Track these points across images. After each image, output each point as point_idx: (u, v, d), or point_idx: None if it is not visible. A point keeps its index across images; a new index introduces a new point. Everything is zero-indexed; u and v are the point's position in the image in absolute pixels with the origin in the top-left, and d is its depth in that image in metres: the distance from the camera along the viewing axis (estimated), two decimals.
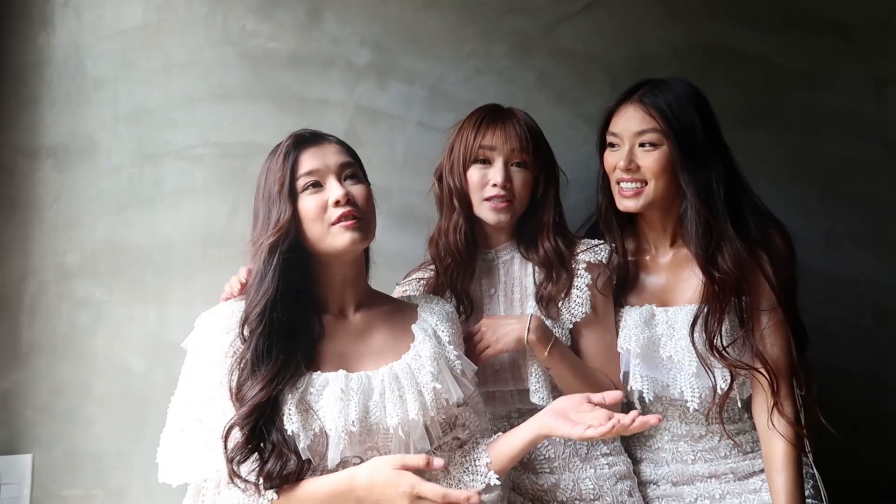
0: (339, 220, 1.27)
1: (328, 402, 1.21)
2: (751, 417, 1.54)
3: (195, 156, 1.75)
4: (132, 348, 1.70)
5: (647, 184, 1.50)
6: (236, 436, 1.18)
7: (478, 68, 1.89)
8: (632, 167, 1.50)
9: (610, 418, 1.16)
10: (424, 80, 1.87)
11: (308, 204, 1.27)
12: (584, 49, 1.93)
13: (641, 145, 1.51)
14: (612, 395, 1.22)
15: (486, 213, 1.52)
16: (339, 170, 1.31)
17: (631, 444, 1.60)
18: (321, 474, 1.21)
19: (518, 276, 1.56)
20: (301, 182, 1.28)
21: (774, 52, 1.99)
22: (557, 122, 1.86)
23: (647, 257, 1.61)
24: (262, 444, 1.18)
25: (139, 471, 1.67)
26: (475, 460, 1.30)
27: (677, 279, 1.57)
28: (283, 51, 1.81)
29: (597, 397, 1.23)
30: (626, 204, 1.53)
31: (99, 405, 1.68)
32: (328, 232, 1.27)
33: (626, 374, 1.52)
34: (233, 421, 1.18)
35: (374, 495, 1.15)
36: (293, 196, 1.28)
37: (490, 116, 1.54)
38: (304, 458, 1.18)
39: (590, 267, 1.50)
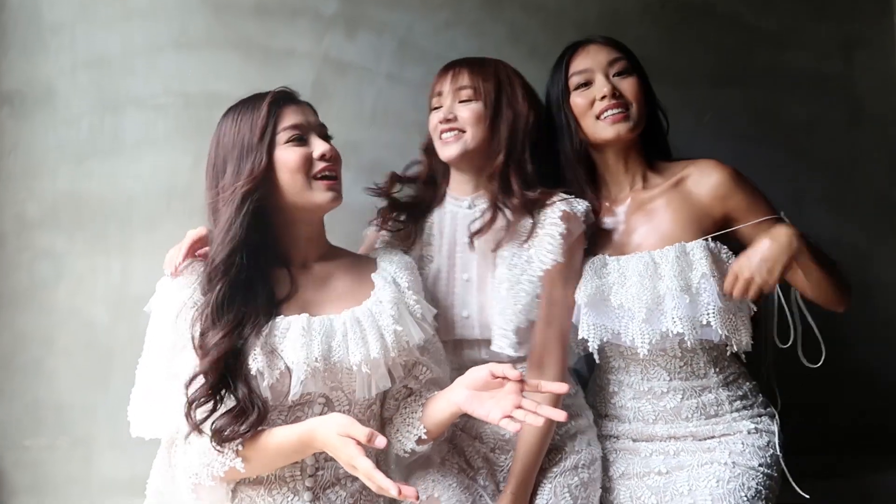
0: (322, 175, 1.31)
1: (291, 340, 1.25)
2: (718, 373, 1.55)
3: (157, 105, 1.72)
4: (95, 300, 1.69)
5: (629, 108, 1.54)
6: (200, 383, 1.20)
7: (448, 21, 1.87)
8: (616, 93, 1.54)
9: (518, 406, 1.18)
10: (394, 31, 1.84)
11: (289, 155, 1.30)
12: (555, 3, 1.91)
13: (616, 74, 1.56)
14: (514, 373, 1.21)
15: (439, 149, 1.52)
16: (319, 129, 1.35)
17: (596, 401, 1.63)
18: (288, 416, 1.27)
19: (494, 227, 1.52)
20: (284, 134, 1.31)
21: (745, 10, 1.98)
22: (528, 76, 1.82)
23: (607, 203, 1.61)
24: (223, 394, 1.20)
25: (103, 421, 1.68)
26: (412, 413, 1.35)
27: (632, 227, 1.58)
28: None
29: (498, 370, 1.23)
30: (615, 129, 1.53)
31: (62, 356, 1.68)
32: (310, 186, 1.31)
33: (575, 325, 1.54)
34: (197, 370, 1.20)
35: (328, 451, 1.20)
36: (272, 147, 1.29)
37: (447, 65, 1.54)
38: (263, 399, 1.21)
39: (566, 216, 1.49)
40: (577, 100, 1.57)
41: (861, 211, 2.05)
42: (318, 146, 1.32)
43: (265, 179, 1.28)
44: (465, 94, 1.50)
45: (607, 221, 1.60)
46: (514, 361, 1.52)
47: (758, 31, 1.99)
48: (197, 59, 1.74)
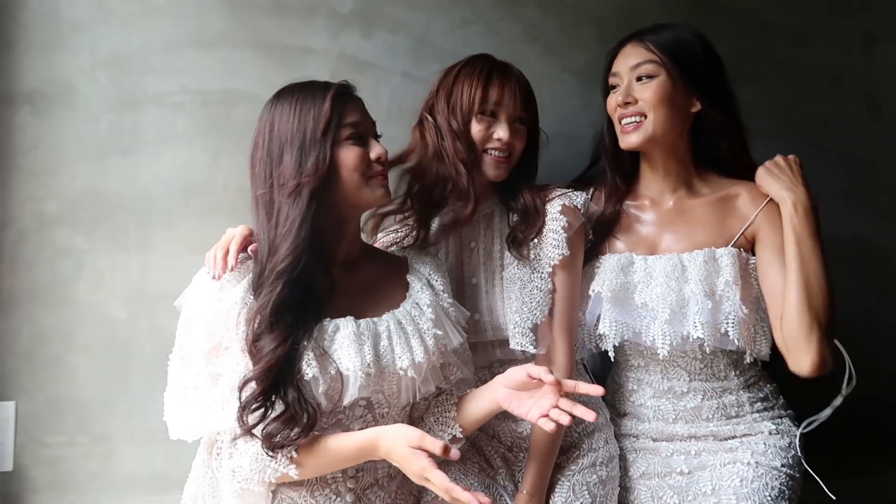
0: (377, 175, 1.31)
1: (342, 345, 1.24)
2: (738, 375, 1.53)
3: (175, 103, 1.72)
4: (114, 296, 1.69)
5: (646, 117, 1.51)
6: (251, 387, 1.18)
7: (464, 18, 1.86)
8: (629, 100, 1.51)
9: (555, 406, 1.17)
10: (410, 29, 1.84)
11: (349, 154, 1.29)
12: (571, 0, 1.90)
13: (638, 79, 1.52)
14: (549, 377, 1.20)
15: (486, 166, 1.52)
16: (373, 129, 1.35)
17: (616, 399, 1.63)
18: (330, 419, 1.25)
19: (498, 229, 1.56)
20: (346, 131, 1.29)
21: (764, 6, 1.98)
22: (544, 74, 1.84)
23: (647, 202, 1.60)
24: (274, 400, 1.18)
25: (123, 417, 1.69)
26: (446, 411, 1.36)
27: (666, 230, 1.57)
28: None
29: (535, 372, 1.22)
30: (628, 140, 1.53)
31: (82, 353, 1.68)
32: (366, 184, 1.30)
33: (598, 318, 1.53)
34: (249, 375, 1.18)
35: (392, 461, 1.19)
36: (334, 143, 1.27)
37: (494, 70, 1.53)
38: (315, 403, 1.19)
39: (565, 210, 1.51)
40: (609, 101, 1.57)
41: (880, 207, 2.04)
42: (375, 148, 1.32)
43: (330, 176, 1.26)
44: (518, 116, 1.52)
45: (641, 217, 1.59)
46: (527, 359, 1.53)
47: (776, 27, 1.98)
48: (214, 57, 1.74)
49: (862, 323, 2.01)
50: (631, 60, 1.53)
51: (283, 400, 1.18)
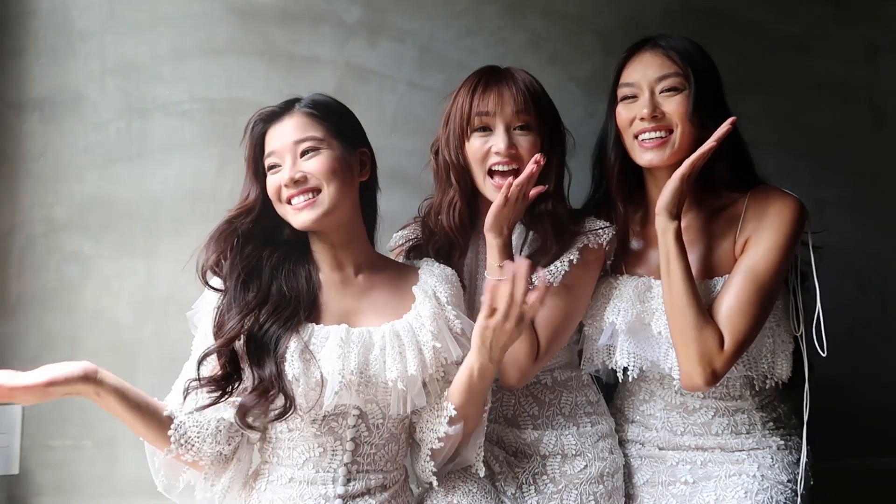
0: (290, 201, 1.31)
1: (328, 350, 1.26)
2: (753, 396, 1.50)
3: (183, 111, 1.74)
4: (121, 302, 1.71)
5: (672, 132, 1.42)
6: (212, 366, 1.25)
7: (469, 28, 1.88)
8: (656, 114, 1.41)
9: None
10: (415, 39, 1.85)
11: (270, 184, 1.32)
12: (576, 10, 1.92)
13: (663, 91, 1.43)
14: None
15: (490, 191, 1.43)
16: (294, 147, 1.30)
17: (625, 406, 1.61)
18: (322, 427, 1.29)
19: (516, 248, 1.51)
20: (266, 162, 1.33)
21: (768, 16, 1.99)
22: (548, 84, 1.82)
23: (654, 227, 1.49)
24: (236, 375, 1.24)
25: None
26: (438, 398, 1.35)
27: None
28: (273, 6, 1.78)
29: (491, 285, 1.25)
30: (648, 157, 1.43)
31: (88, 357, 1.65)
32: (287, 211, 1.32)
33: (611, 348, 1.50)
34: (211, 348, 1.24)
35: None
36: (261, 175, 1.34)
37: (485, 80, 1.45)
38: (290, 397, 1.23)
39: (585, 249, 1.45)
40: (622, 112, 1.47)
41: (884, 218, 2.04)
42: (285, 172, 1.30)
43: (255, 207, 1.33)
44: (521, 121, 1.43)
45: (654, 245, 1.47)
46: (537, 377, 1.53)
47: (780, 37, 1.99)
48: (222, 66, 1.76)
49: (867, 333, 2.01)
50: (653, 71, 1.43)
51: (259, 373, 1.23)
